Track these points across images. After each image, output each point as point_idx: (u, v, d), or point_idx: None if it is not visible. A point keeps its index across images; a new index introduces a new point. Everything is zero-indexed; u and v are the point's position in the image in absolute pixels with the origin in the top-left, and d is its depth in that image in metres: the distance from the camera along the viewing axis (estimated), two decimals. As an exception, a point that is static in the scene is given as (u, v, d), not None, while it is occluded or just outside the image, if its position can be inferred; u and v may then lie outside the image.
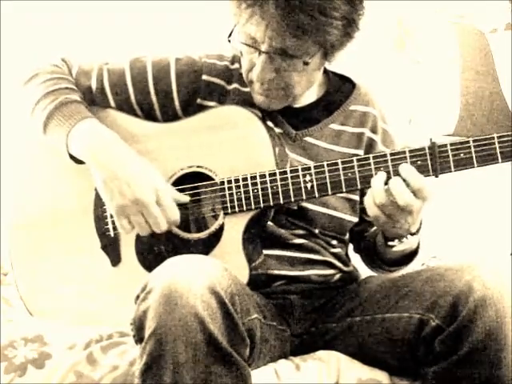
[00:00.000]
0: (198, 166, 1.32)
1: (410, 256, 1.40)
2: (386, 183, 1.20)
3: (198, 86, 1.39)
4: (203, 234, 1.31)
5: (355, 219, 1.43)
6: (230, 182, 1.29)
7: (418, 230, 1.29)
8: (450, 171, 1.22)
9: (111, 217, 1.35)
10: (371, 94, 1.48)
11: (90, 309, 1.35)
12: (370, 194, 1.21)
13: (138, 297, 1.09)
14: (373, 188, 1.20)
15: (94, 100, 1.39)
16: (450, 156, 1.21)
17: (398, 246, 1.31)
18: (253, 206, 1.28)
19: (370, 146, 1.44)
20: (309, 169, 1.26)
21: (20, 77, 1.37)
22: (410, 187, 1.18)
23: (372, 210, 1.21)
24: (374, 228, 1.46)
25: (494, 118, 2.10)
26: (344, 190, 1.26)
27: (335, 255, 1.41)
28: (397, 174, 1.21)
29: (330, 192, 1.26)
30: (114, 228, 1.35)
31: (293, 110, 1.41)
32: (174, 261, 1.10)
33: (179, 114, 1.39)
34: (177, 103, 1.39)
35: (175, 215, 1.27)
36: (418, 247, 1.38)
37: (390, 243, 1.31)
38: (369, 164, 1.24)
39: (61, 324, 1.34)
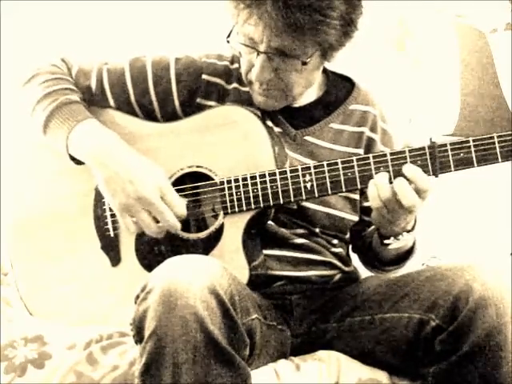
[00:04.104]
0: (197, 166, 1.32)
1: (406, 255, 1.40)
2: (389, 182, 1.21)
3: (198, 86, 1.39)
4: (203, 234, 1.31)
5: (356, 218, 1.43)
6: (229, 181, 1.29)
7: (412, 228, 1.30)
8: (450, 171, 1.22)
9: (111, 217, 1.35)
10: (371, 94, 1.48)
11: (90, 309, 1.35)
12: (374, 188, 1.21)
13: (137, 297, 1.09)
14: (377, 183, 1.20)
15: (93, 100, 1.39)
16: (450, 156, 1.21)
17: (394, 244, 1.31)
18: (253, 206, 1.28)
19: (370, 145, 1.44)
20: (308, 168, 1.26)
21: (20, 77, 1.37)
22: (416, 187, 1.18)
23: (375, 202, 1.21)
24: (372, 228, 1.46)
25: (494, 117, 2.10)
26: (344, 189, 1.26)
27: (336, 255, 1.41)
28: (397, 173, 1.21)
29: (329, 192, 1.26)
30: (114, 228, 1.36)
31: (292, 110, 1.41)
32: (173, 261, 1.10)
33: (179, 114, 1.39)
34: (177, 103, 1.39)
35: (182, 209, 1.27)
36: (413, 246, 1.39)
37: (386, 241, 1.31)
38: (369, 164, 1.24)
39: (61, 324, 1.34)
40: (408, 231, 1.29)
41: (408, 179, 1.19)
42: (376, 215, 1.26)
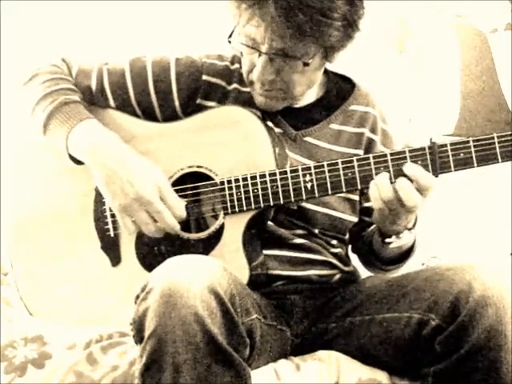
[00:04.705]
0: (197, 166, 1.32)
1: (406, 253, 1.40)
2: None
3: (198, 86, 1.39)
4: (203, 234, 1.31)
5: (355, 219, 1.43)
6: (229, 182, 1.29)
7: (413, 225, 1.30)
8: (450, 171, 1.22)
9: (111, 217, 1.35)
10: (371, 94, 1.48)
11: (90, 309, 1.35)
12: (376, 188, 1.21)
13: (137, 297, 1.09)
14: (378, 184, 1.20)
15: (93, 100, 1.39)
16: (450, 156, 1.21)
17: (395, 243, 1.31)
18: (253, 206, 1.28)
19: (370, 146, 1.44)
20: (309, 169, 1.26)
21: (20, 77, 1.37)
22: (418, 186, 1.18)
23: (377, 203, 1.21)
24: (372, 228, 1.46)
25: (494, 118, 2.10)
26: (344, 189, 1.26)
27: (335, 255, 1.41)
28: (398, 174, 1.21)
29: (330, 192, 1.26)
30: (114, 228, 1.36)
31: (293, 110, 1.41)
32: (174, 261, 1.10)
33: (179, 114, 1.39)
34: (177, 103, 1.39)
35: (182, 210, 1.27)
36: (414, 244, 1.38)
37: (388, 240, 1.31)
38: (369, 164, 1.24)
39: (61, 324, 1.34)
40: (409, 229, 1.29)
41: (409, 178, 1.19)
42: (378, 216, 1.26)
